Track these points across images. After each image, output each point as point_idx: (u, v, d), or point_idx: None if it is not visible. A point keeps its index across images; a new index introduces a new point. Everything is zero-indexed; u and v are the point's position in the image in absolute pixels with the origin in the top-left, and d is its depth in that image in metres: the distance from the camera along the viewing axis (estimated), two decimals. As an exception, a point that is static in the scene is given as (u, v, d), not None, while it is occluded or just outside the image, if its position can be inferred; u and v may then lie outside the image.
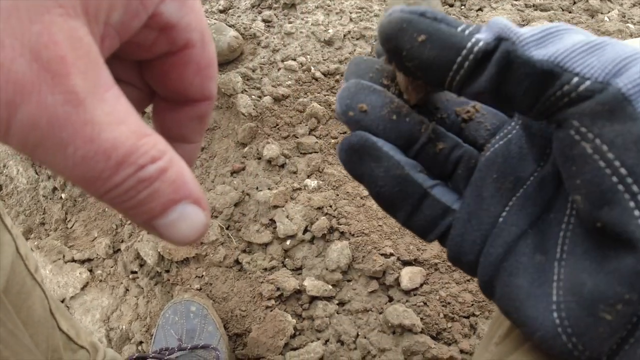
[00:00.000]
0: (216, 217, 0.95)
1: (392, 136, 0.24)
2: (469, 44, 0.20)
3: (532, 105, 0.20)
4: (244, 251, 0.90)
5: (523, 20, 1.23)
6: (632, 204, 0.18)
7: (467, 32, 0.20)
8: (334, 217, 0.90)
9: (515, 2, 1.28)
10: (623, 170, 0.18)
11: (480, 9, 1.27)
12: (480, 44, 0.20)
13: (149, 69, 0.22)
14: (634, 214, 0.18)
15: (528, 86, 0.19)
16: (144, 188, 0.16)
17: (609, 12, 1.31)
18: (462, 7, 1.27)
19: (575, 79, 0.18)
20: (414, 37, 0.20)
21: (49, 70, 0.14)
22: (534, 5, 1.29)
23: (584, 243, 0.20)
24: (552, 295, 0.20)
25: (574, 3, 1.32)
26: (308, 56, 1.16)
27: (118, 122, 0.16)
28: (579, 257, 0.20)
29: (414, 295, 0.82)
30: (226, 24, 1.21)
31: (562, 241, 0.21)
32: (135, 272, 0.96)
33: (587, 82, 0.18)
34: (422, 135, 0.24)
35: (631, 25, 1.28)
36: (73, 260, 1.03)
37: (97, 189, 0.16)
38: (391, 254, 0.84)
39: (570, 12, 1.29)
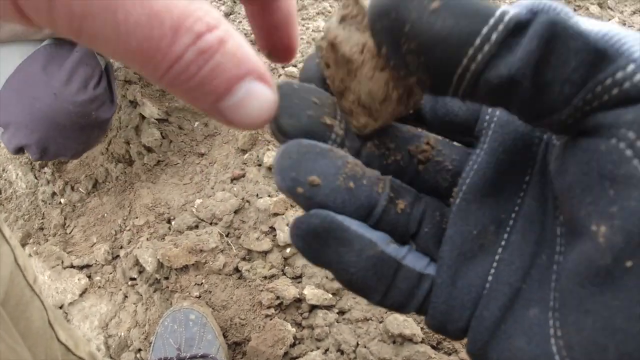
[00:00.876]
0: (216, 224, 0.95)
1: (351, 208, 0.20)
2: (498, 12, 0.15)
3: (571, 97, 0.16)
4: (243, 259, 0.90)
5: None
6: None
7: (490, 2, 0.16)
8: (334, 225, 0.90)
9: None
10: None
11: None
12: (512, 12, 0.15)
13: None
14: None
15: (575, 67, 0.15)
16: (206, 62, 0.15)
17: (610, 20, 1.31)
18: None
19: (632, 66, 0.15)
20: (423, 4, 0.16)
21: None
22: (534, 13, 1.29)
23: (583, 286, 0.17)
24: (554, 355, 0.17)
25: (575, 10, 1.33)
26: (309, 62, 1.17)
27: None
28: (578, 303, 0.17)
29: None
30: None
31: (554, 286, 0.18)
32: (134, 279, 0.95)
33: None
34: (380, 196, 0.21)
35: (631, 33, 1.28)
36: (72, 266, 1.02)
37: (158, 63, 0.15)
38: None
39: (570, 20, 1.30)
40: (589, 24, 0.16)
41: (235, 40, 0.15)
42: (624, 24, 1.31)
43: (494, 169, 0.21)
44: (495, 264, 0.20)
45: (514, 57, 0.15)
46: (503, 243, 0.20)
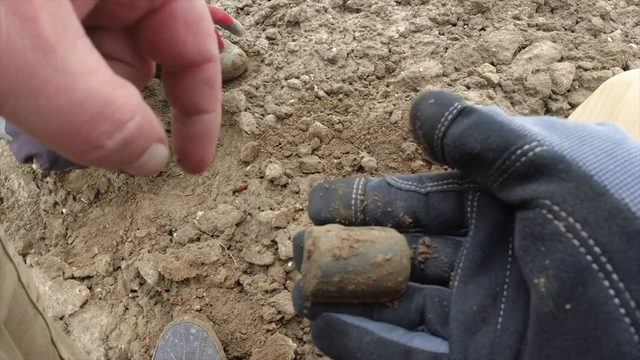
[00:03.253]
0: (217, 236, 0.95)
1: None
2: (457, 103, 0.24)
3: (494, 161, 0.21)
4: (245, 272, 0.90)
5: (526, 40, 1.24)
6: (606, 283, 0.17)
7: None
8: (336, 238, 0.90)
9: (518, 22, 1.28)
10: (597, 249, 0.18)
11: (483, 29, 1.27)
12: (465, 104, 0.23)
13: (140, 34, 0.21)
14: (609, 293, 0.17)
15: (494, 139, 0.21)
16: (125, 147, 0.16)
17: (612, 31, 1.31)
18: (465, 26, 1.28)
19: (535, 143, 0.20)
20: (427, 102, 0.24)
21: (16, 13, 0.13)
22: (536, 25, 1.29)
23: (538, 335, 0.19)
24: None
25: (577, 22, 1.33)
26: (311, 74, 1.17)
27: (91, 71, 0.15)
28: (539, 350, 0.19)
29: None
30: (230, 41, 1.21)
31: (530, 343, 0.20)
32: (135, 291, 0.95)
33: (539, 148, 0.20)
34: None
35: (634, 45, 1.28)
36: (73, 277, 1.02)
37: (77, 148, 0.15)
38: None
39: (573, 32, 1.30)
40: (511, 118, 0.22)
41: (149, 118, 0.17)
42: (627, 36, 1.31)
43: (480, 251, 0.24)
44: (497, 332, 0.22)
45: (457, 129, 0.23)
46: (501, 312, 0.23)
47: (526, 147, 0.20)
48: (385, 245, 0.25)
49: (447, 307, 0.25)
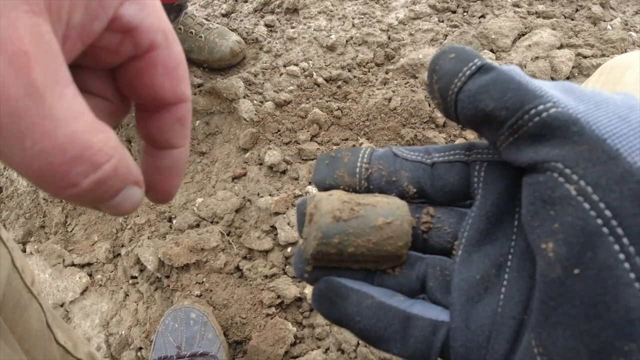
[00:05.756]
0: (217, 222, 0.95)
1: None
2: (476, 59, 0.23)
3: (507, 119, 0.21)
4: (244, 258, 0.90)
5: (526, 28, 1.23)
6: (616, 247, 0.17)
7: None
8: (335, 224, 0.90)
9: (517, 10, 1.28)
10: (608, 212, 0.17)
11: (482, 16, 1.26)
12: (484, 60, 0.23)
13: (121, 76, 0.23)
14: (619, 257, 0.17)
15: (510, 97, 0.21)
16: (99, 187, 0.17)
17: (612, 20, 1.31)
18: (465, 13, 1.27)
19: (550, 104, 0.20)
20: (447, 57, 0.24)
21: (12, 63, 0.15)
22: (536, 13, 1.29)
23: (545, 302, 0.19)
24: None
25: (577, 10, 1.32)
26: (310, 61, 1.16)
27: (74, 117, 0.16)
28: (545, 318, 0.19)
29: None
30: (229, 28, 1.21)
31: (537, 309, 0.20)
32: (135, 277, 0.96)
33: (554, 109, 0.20)
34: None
35: (634, 34, 1.28)
36: (73, 265, 1.02)
37: (56, 185, 0.16)
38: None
39: (572, 20, 1.29)
40: (530, 79, 0.21)
41: (125, 161, 0.18)
42: (626, 24, 1.31)
43: (486, 220, 0.24)
44: (500, 302, 0.22)
45: (474, 85, 0.22)
46: (505, 283, 0.23)
47: (540, 107, 0.20)
48: (386, 210, 0.25)
49: (449, 276, 0.25)
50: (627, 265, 0.17)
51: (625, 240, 0.17)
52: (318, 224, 0.24)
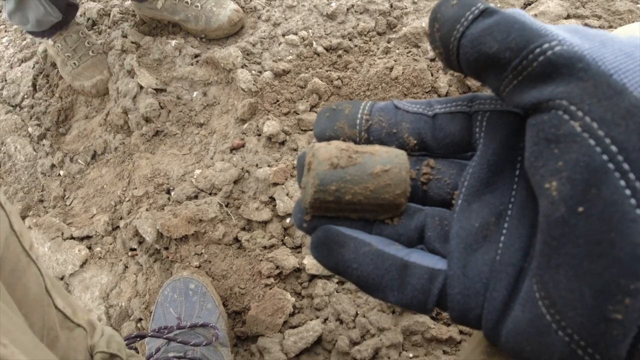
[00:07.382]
0: (215, 194, 0.94)
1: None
2: (479, 4, 0.22)
3: (511, 60, 0.21)
4: (243, 229, 0.89)
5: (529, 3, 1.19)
6: (622, 182, 0.16)
7: None
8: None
9: (524, -24, 1.24)
10: (614, 148, 0.17)
11: (488, -17, 1.22)
12: (485, 4, 0.22)
13: None
14: (625, 193, 0.16)
15: (514, 37, 0.20)
16: None
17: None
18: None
19: (555, 42, 0.19)
20: (449, 3, 0.23)
21: None
22: (544, -21, 1.24)
23: (547, 243, 0.19)
24: (544, 315, 0.19)
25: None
26: (310, 30, 1.13)
27: None
28: (548, 260, 0.18)
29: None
30: (226, -3, 1.17)
31: (539, 252, 0.19)
32: (135, 249, 0.95)
33: (559, 47, 0.19)
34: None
35: (644, 2, 1.23)
36: (72, 238, 1.02)
37: None
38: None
39: (581, -13, 1.25)
40: (534, 20, 0.21)
41: None
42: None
43: (487, 169, 0.24)
44: (499, 250, 0.22)
45: (477, 28, 0.21)
46: (504, 231, 0.22)
47: (545, 45, 0.19)
48: (384, 157, 0.24)
49: (447, 226, 0.24)
50: (633, 201, 0.16)
51: (631, 176, 0.17)
52: (316, 171, 0.24)
